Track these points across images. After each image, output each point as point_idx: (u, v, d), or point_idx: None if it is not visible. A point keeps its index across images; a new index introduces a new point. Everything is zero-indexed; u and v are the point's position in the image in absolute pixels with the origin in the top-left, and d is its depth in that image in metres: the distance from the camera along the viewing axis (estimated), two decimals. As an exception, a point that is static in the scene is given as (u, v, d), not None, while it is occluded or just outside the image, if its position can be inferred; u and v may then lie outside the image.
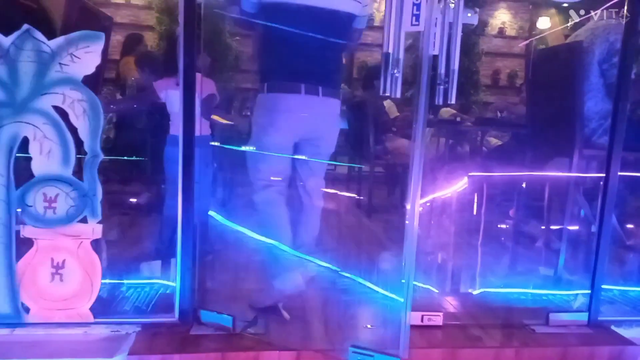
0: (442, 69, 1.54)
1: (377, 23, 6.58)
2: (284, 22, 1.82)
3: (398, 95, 1.41)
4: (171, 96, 2.17)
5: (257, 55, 1.98)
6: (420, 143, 1.59)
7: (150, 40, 5.94)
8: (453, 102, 1.54)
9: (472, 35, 5.97)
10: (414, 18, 1.36)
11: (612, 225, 1.83)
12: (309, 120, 1.93)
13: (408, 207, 1.64)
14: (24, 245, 1.54)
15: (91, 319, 1.58)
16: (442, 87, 1.55)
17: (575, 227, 2.32)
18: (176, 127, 2.07)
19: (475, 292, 2.06)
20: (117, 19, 6.23)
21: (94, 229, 1.55)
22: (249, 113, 5.89)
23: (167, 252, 2.00)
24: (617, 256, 2.37)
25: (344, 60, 2.18)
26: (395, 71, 1.36)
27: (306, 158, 2.04)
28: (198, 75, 2.19)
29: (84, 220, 1.54)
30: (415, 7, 1.35)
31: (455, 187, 2.75)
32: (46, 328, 1.56)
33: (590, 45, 2.31)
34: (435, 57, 1.51)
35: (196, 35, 1.55)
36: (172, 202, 1.96)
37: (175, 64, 1.94)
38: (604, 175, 1.77)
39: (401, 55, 1.35)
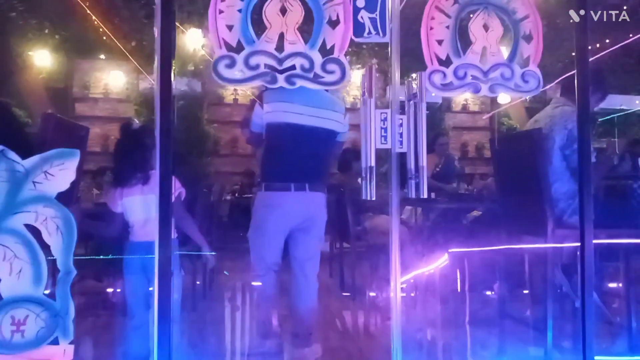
0: (411, 165, 1.60)
1: (348, 105, 6.91)
2: (282, 137, 2.25)
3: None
4: (127, 204, 2.05)
5: (260, 161, 2.38)
6: (396, 231, 1.62)
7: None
8: (425, 196, 1.59)
9: (437, 112, 6.28)
10: (382, 138, 1.56)
11: (594, 303, 1.82)
12: (299, 211, 2.28)
13: (392, 284, 1.63)
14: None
15: None
16: (413, 181, 1.61)
17: (558, 304, 2.31)
18: (136, 234, 2.06)
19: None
20: (95, 112, 6.40)
21: (65, 350, 1.46)
22: (228, 197, 5.92)
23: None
24: (605, 330, 2.35)
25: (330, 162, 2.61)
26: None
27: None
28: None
29: (54, 342, 1.46)
30: (382, 130, 1.56)
31: (436, 264, 2.75)
32: None
33: (549, 132, 2.41)
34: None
35: (173, 129, 1.47)
36: (135, 319, 1.95)
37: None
38: (579, 252, 1.78)
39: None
